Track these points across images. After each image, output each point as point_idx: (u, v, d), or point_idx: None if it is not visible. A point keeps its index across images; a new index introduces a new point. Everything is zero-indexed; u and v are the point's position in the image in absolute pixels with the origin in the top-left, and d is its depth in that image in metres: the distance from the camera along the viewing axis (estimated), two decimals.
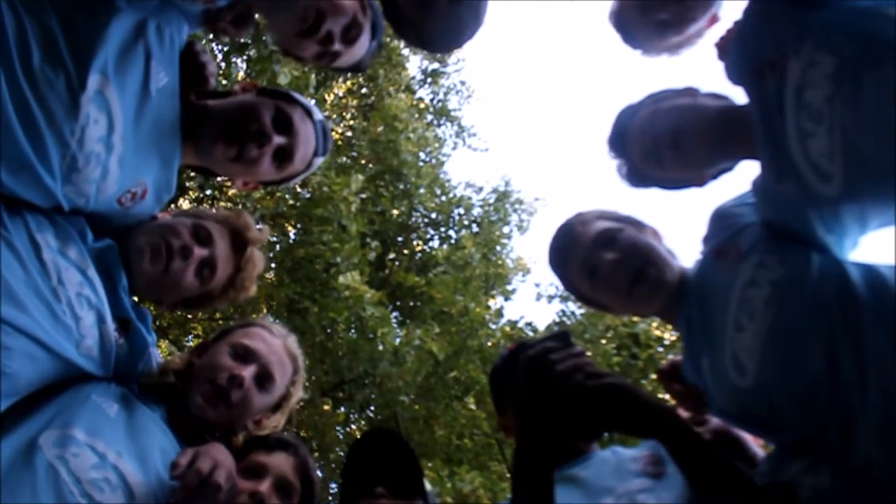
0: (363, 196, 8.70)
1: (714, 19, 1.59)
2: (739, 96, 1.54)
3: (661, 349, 8.33)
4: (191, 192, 7.92)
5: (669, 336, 8.30)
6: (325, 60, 1.68)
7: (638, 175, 1.73)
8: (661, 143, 1.58)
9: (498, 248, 10.51)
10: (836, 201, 1.31)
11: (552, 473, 1.14)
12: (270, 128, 1.63)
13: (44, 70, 1.35)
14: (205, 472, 1.30)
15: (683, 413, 1.68)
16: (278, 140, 1.64)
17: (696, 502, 1.21)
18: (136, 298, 1.67)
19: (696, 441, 1.13)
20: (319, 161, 1.81)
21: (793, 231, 1.42)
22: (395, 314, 9.41)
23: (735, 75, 1.52)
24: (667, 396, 1.81)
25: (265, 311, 8.86)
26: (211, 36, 1.78)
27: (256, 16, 1.72)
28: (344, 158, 9.71)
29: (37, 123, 1.35)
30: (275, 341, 1.65)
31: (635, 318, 8.41)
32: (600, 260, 1.58)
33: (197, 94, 1.67)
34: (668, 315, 1.66)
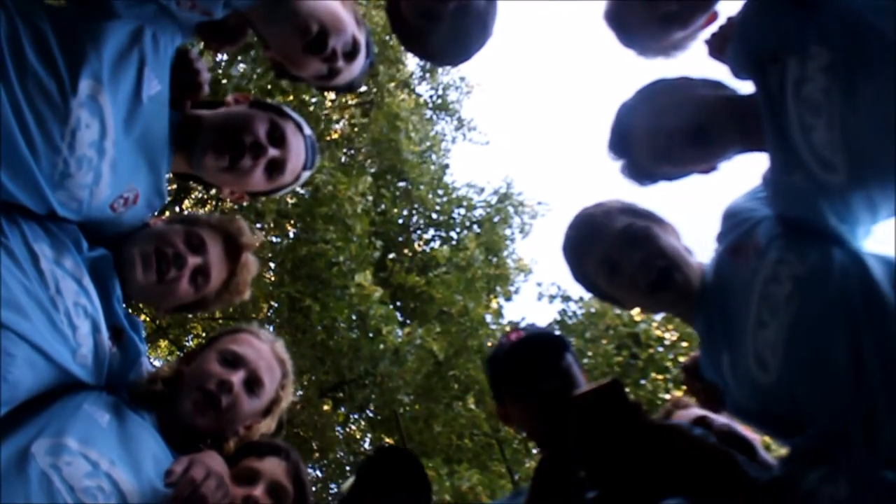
0: (370, 198, 8.71)
1: (712, 17, 1.58)
2: (742, 88, 1.54)
3: (661, 349, 8.33)
4: (193, 193, 7.91)
5: (670, 336, 8.30)
6: (326, 79, 1.69)
7: (644, 173, 1.70)
8: (681, 136, 1.54)
9: (500, 249, 10.49)
10: (843, 190, 1.32)
11: None
12: (265, 140, 1.65)
13: (36, 73, 1.35)
14: (198, 481, 1.30)
15: (700, 410, 1.69)
16: (273, 152, 1.67)
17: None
18: (130, 305, 1.67)
19: None
20: (307, 174, 1.84)
21: (806, 223, 1.42)
22: (397, 314, 9.41)
23: (738, 69, 1.52)
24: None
25: (266, 309, 8.86)
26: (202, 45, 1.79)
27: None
28: (343, 158, 9.70)
29: (29, 127, 1.35)
30: (262, 346, 1.66)
31: (636, 318, 8.41)
32: (625, 258, 1.57)
33: (190, 102, 1.68)
34: (683, 313, 1.66)
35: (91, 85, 1.41)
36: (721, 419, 1.72)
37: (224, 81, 6.38)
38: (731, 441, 1.61)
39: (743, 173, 1.71)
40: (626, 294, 1.65)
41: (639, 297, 1.63)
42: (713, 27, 1.59)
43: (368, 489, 1.52)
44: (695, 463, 1.06)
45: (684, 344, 8.15)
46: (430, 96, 11.36)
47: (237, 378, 1.56)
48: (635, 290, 1.60)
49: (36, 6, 1.39)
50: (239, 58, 6.77)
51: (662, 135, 1.56)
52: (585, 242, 1.67)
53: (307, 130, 1.78)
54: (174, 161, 1.68)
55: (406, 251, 10.44)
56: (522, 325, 8.72)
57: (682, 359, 8.04)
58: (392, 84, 9.71)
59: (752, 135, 1.49)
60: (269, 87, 6.41)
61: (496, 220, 10.62)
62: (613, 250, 1.60)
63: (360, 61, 1.73)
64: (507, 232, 10.76)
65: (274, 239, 8.86)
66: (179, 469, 1.31)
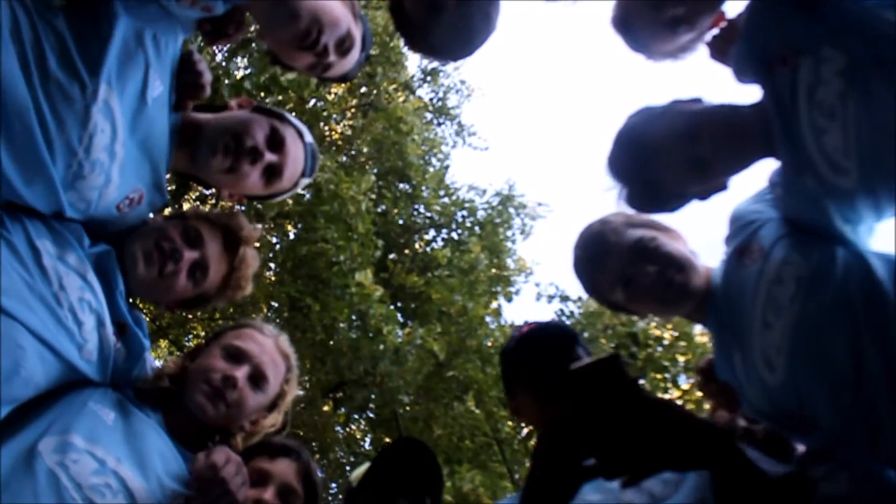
0: (372, 196, 8.71)
1: (719, 18, 1.57)
2: (747, 95, 1.53)
3: (659, 349, 8.34)
4: (191, 193, 7.90)
5: (668, 336, 8.31)
6: (317, 71, 1.73)
7: (661, 193, 1.64)
8: (720, 144, 1.49)
9: (501, 251, 10.50)
10: (851, 193, 1.32)
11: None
12: (264, 145, 1.67)
13: (58, 77, 1.36)
14: (219, 465, 1.33)
15: (721, 413, 1.70)
16: (270, 157, 1.68)
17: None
18: (132, 301, 1.68)
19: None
20: (305, 181, 1.86)
21: (811, 224, 1.43)
22: (397, 314, 9.40)
23: (743, 72, 1.51)
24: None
25: (266, 309, 8.85)
26: (201, 41, 1.80)
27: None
28: (344, 158, 9.69)
29: (49, 130, 1.36)
30: (266, 341, 1.66)
31: (634, 318, 8.41)
32: (640, 272, 1.57)
33: (192, 103, 1.70)
34: (696, 316, 1.66)
35: (105, 89, 1.43)
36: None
37: (221, 74, 6.35)
38: (770, 440, 1.60)
39: (741, 177, 1.71)
40: (644, 305, 1.66)
41: (656, 306, 1.64)
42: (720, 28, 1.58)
43: (382, 478, 1.53)
44: (687, 437, 1.07)
45: (683, 343, 8.16)
46: (431, 99, 11.37)
47: (241, 373, 1.56)
48: (653, 301, 1.61)
49: (54, 8, 1.40)
50: (238, 56, 6.75)
51: (704, 133, 1.49)
52: (597, 261, 1.66)
53: (308, 138, 1.80)
54: (175, 159, 1.70)
55: (407, 252, 10.43)
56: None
57: (680, 358, 8.06)
58: (393, 86, 9.72)
59: (769, 142, 1.47)
60: (267, 84, 6.39)
61: (497, 221, 10.62)
62: (627, 266, 1.59)
63: (355, 55, 1.75)
64: (508, 233, 10.76)
65: (274, 239, 8.85)
66: (200, 462, 1.35)
